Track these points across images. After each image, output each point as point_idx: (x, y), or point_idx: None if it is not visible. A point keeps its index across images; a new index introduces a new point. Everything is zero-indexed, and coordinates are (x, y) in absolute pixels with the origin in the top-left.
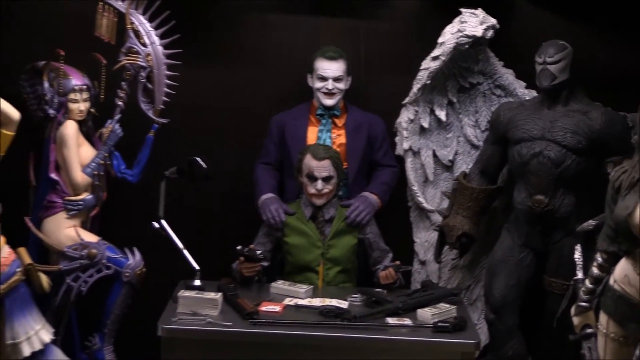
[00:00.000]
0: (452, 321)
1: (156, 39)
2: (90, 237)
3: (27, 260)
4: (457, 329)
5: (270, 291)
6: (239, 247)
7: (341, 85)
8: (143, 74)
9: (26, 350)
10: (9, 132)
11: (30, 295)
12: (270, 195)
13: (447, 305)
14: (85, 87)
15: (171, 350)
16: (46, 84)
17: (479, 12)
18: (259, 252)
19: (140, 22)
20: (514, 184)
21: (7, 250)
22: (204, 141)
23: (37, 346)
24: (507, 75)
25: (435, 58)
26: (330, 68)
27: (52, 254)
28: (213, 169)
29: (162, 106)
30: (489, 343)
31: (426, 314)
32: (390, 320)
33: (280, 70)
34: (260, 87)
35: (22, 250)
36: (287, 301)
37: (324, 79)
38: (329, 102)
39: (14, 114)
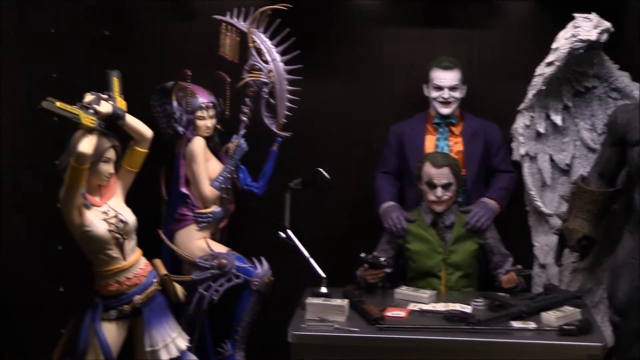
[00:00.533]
0: (577, 324)
1: (277, 56)
2: (219, 248)
3: (163, 271)
4: (583, 332)
5: (394, 297)
6: (362, 255)
7: (457, 94)
8: (265, 89)
9: (164, 357)
10: (143, 150)
11: (166, 304)
12: (391, 203)
13: (571, 308)
14: (211, 104)
15: (301, 355)
16: (175, 103)
17: (593, 16)
18: (382, 259)
19: (262, 40)
20: (634, 185)
21: (143, 262)
22: (326, 152)
23: (174, 353)
24: (623, 78)
25: (550, 64)
26: (446, 77)
27: (185, 265)
28: (336, 179)
29: (284, 120)
30: (614, 346)
31: (551, 317)
32: (515, 324)
33: (397, 82)
34: (378, 99)
35: (158, 262)
36: (412, 306)
37: (440, 88)
38: (445, 110)
39: (147, 132)
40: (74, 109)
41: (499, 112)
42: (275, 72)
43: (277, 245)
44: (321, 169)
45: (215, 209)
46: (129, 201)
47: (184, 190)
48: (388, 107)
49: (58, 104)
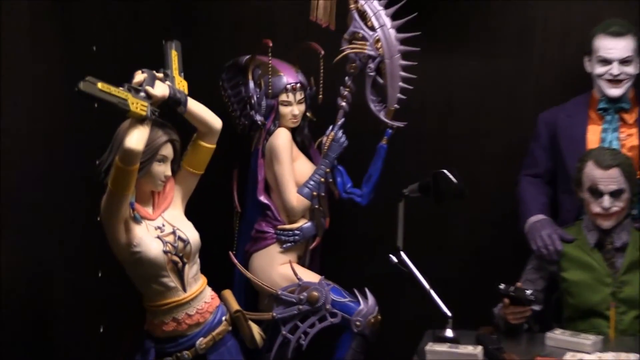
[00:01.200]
0: None
1: (387, 21)
2: (310, 276)
3: (235, 306)
4: None
5: (545, 343)
6: (502, 286)
7: (630, 70)
8: (372, 65)
9: None
10: (209, 145)
11: (239, 349)
12: (540, 217)
13: None
14: (299, 85)
15: None
16: (251, 84)
17: None
18: (528, 292)
19: (367, 0)
20: None
21: (209, 293)
22: (453, 149)
23: None
24: None
25: None
26: (615, 47)
27: (263, 298)
28: (465, 184)
29: (396, 106)
30: None
31: None
32: None
33: (548, 56)
34: (523, 79)
35: (228, 294)
36: (569, 356)
37: (607, 62)
38: (614, 91)
39: (216, 122)
40: (120, 91)
41: None
42: (385, 43)
43: (387, 273)
44: (446, 171)
45: (304, 223)
46: (191, 213)
47: (262, 199)
48: (536, 90)
49: (100, 85)
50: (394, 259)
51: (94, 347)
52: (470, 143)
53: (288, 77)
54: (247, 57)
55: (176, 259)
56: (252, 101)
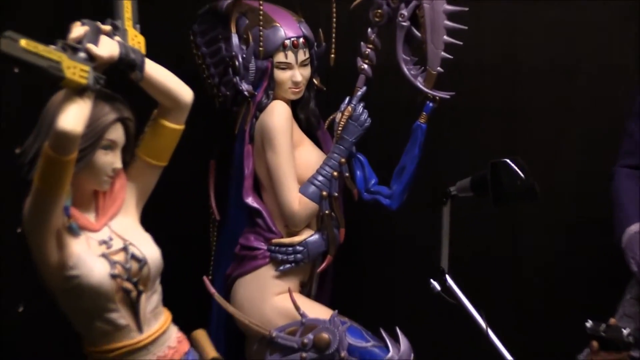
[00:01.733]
0: None
1: None
2: (317, 311)
3: (211, 352)
4: None
5: None
6: (589, 324)
7: None
8: (405, 11)
9: None
10: (175, 125)
11: None
12: None
13: None
14: (302, 40)
15: None
16: (235, 39)
17: None
18: (626, 331)
19: None
20: None
21: (175, 334)
22: (520, 132)
23: None
24: None
25: None
26: None
27: (252, 341)
28: (538, 179)
29: (440, 69)
30: None
31: None
32: None
33: None
34: (617, 31)
35: (202, 335)
36: None
37: None
38: None
39: (184, 93)
40: (52, 51)
41: None
42: None
43: (426, 304)
44: (509, 160)
45: (309, 236)
46: (149, 222)
47: (250, 202)
48: (634, 50)
49: (23, 42)
50: (437, 285)
51: None
52: (542, 122)
53: (287, 28)
54: (229, 0)
55: (128, 286)
56: (237, 63)
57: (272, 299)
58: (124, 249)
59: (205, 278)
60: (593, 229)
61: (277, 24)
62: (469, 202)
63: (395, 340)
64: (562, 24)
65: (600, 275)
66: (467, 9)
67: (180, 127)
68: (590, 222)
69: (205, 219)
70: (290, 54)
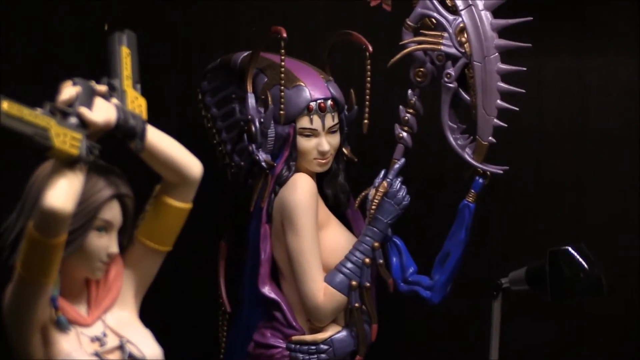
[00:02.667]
0: None
1: (480, 2)
2: None
3: None
4: None
5: None
6: None
7: None
8: (452, 71)
9: None
10: (181, 204)
11: None
12: None
13: None
14: (331, 103)
15: None
16: (251, 100)
17: None
18: None
19: None
20: None
21: None
22: (588, 214)
23: None
24: None
25: None
26: None
27: None
28: (606, 270)
29: (492, 139)
30: None
31: None
32: None
33: None
34: None
35: None
36: None
37: None
38: None
39: (192, 166)
40: (38, 116)
41: None
42: (475, 33)
43: None
44: (571, 249)
45: (336, 333)
46: (150, 316)
47: (267, 291)
48: None
49: (5, 105)
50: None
51: None
52: (614, 199)
53: (312, 88)
54: (245, 54)
55: None
56: (253, 128)
57: None
58: (120, 347)
59: None
60: None
61: (302, 83)
62: (530, 299)
63: None
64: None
65: None
66: (525, 68)
67: (187, 206)
68: None
69: (214, 311)
70: (316, 118)
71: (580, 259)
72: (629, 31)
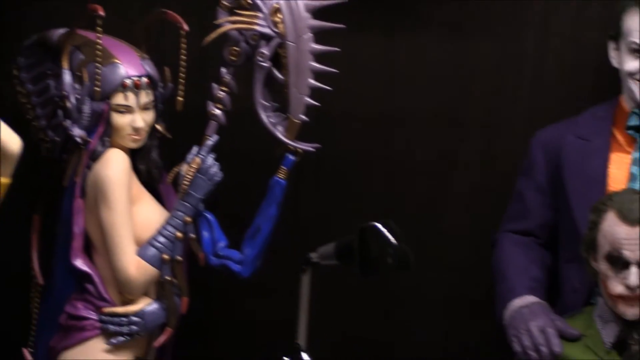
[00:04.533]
0: None
1: None
2: None
3: None
4: None
5: None
6: None
7: None
8: (265, 50)
9: None
10: (1, 179)
11: None
12: (529, 299)
13: None
14: (145, 80)
15: None
16: (67, 76)
17: None
18: None
19: None
20: None
21: None
22: (396, 191)
23: None
24: None
25: None
26: None
27: None
28: (416, 246)
29: (303, 117)
30: None
31: None
32: None
33: (550, 42)
34: (510, 78)
35: None
36: None
37: None
38: None
39: (11, 141)
40: None
41: None
42: (288, 14)
43: None
44: (380, 225)
45: (147, 305)
46: None
47: (80, 264)
48: (528, 96)
49: None
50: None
51: None
52: (424, 179)
53: (127, 66)
54: (62, 31)
55: None
56: (68, 104)
57: None
58: None
59: (25, 351)
60: (477, 299)
61: (117, 61)
62: (332, 271)
63: None
64: (449, 67)
65: (482, 354)
66: (338, 49)
67: (6, 180)
68: (474, 293)
69: (26, 283)
70: (130, 95)
71: (388, 235)
72: (439, 14)
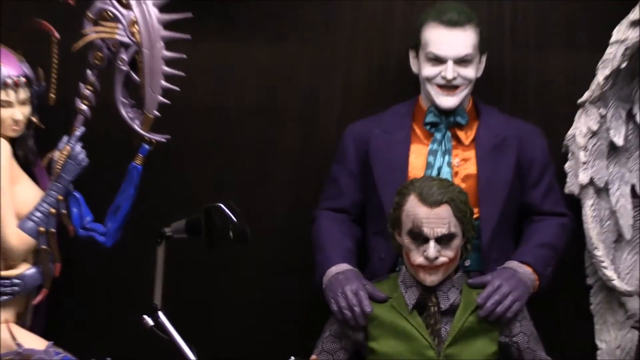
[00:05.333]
0: None
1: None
2: (33, 341)
3: None
4: None
5: None
6: (292, 359)
7: (469, 72)
8: (124, 56)
9: None
10: None
11: None
12: (343, 267)
13: None
14: (23, 79)
15: None
16: None
17: None
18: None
19: None
20: None
21: None
22: (232, 174)
23: None
24: None
25: (637, 23)
26: (450, 42)
27: None
28: (249, 222)
29: (156, 113)
30: None
31: None
32: None
33: (359, 48)
34: (325, 77)
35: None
36: None
37: (438, 60)
38: (448, 101)
39: None
40: None
41: (545, 105)
42: (144, 26)
43: (140, 337)
44: (222, 205)
45: (25, 270)
46: None
47: None
48: (343, 92)
49: None
50: (150, 320)
51: None
52: (255, 164)
53: (8, 67)
54: None
55: None
56: None
57: None
58: None
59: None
60: (297, 268)
61: None
62: (186, 244)
63: None
64: (274, 68)
65: (305, 312)
66: (184, 55)
67: None
68: (295, 262)
69: None
70: (11, 92)
71: (230, 213)
72: (265, 25)
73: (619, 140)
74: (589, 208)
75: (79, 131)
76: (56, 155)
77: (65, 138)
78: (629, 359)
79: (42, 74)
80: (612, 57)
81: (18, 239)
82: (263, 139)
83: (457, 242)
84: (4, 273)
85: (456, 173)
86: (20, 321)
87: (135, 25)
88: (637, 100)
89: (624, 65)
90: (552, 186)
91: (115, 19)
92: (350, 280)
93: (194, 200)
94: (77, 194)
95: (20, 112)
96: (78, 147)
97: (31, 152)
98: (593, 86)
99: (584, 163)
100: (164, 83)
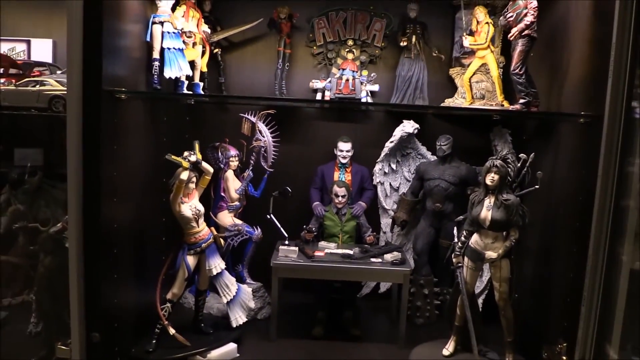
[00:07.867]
0: (399, 259)
1: (267, 132)
2: (238, 222)
3: (214, 232)
4: (401, 263)
5: (318, 246)
6: (305, 227)
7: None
8: (263, 150)
9: (214, 272)
10: (208, 177)
11: (215, 247)
12: (317, 203)
13: (397, 253)
14: (236, 155)
15: (277, 274)
16: (219, 154)
17: (411, 122)
18: (313, 227)
19: (261, 125)
20: (426, 198)
21: (206, 229)
22: (295, 181)
23: (218, 270)
24: (423, 149)
25: (391, 142)
26: (344, 148)
27: (222, 229)
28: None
29: (272, 161)
30: (413, 270)
31: (388, 256)
32: (373, 260)
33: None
34: None
35: (212, 229)
36: (326, 250)
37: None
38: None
39: (210, 169)
40: (178, 158)
41: (369, 162)
42: (267, 140)
43: (267, 221)
44: (288, 188)
45: (237, 203)
46: (200, 199)
47: (222, 193)
48: None
49: (172, 157)
50: (271, 216)
51: (164, 247)
52: (298, 181)
53: (232, 151)
54: (217, 143)
55: (196, 216)
56: (219, 160)
57: (227, 218)
58: (195, 207)
59: (210, 213)
60: (307, 206)
61: (229, 150)
62: (278, 198)
63: (257, 229)
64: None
65: (308, 216)
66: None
67: (209, 178)
68: (306, 206)
69: (209, 198)
70: (233, 159)
71: (289, 190)
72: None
73: (386, 170)
74: (379, 188)
75: (250, 168)
76: (244, 175)
77: (247, 170)
78: (389, 226)
79: (241, 154)
80: (386, 149)
81: (235, 195)
82: (303, 177)
83: (347, 196)
84: (232, 203)
85: (346, 179)
86: (236, 216)
87: (265, 140)
88: (392, 160)
89: (387, 152)
90: (369, 182)
91: (260, 139)
92: (318, 206)
93: (279, 186)
94: (249, 184)
95: (235, 164)
96: (250, 172)
97: (238, 173)
98: (381, 157)
99: (377, 176)
100: (273, 155)
